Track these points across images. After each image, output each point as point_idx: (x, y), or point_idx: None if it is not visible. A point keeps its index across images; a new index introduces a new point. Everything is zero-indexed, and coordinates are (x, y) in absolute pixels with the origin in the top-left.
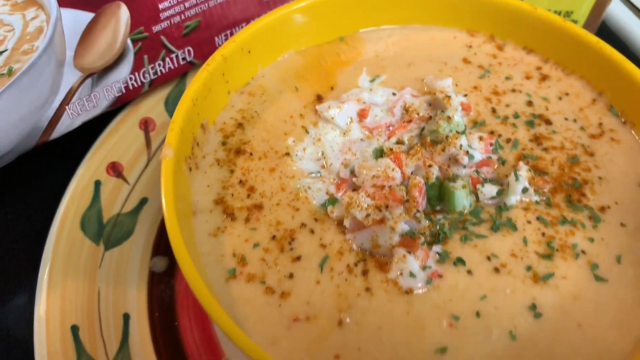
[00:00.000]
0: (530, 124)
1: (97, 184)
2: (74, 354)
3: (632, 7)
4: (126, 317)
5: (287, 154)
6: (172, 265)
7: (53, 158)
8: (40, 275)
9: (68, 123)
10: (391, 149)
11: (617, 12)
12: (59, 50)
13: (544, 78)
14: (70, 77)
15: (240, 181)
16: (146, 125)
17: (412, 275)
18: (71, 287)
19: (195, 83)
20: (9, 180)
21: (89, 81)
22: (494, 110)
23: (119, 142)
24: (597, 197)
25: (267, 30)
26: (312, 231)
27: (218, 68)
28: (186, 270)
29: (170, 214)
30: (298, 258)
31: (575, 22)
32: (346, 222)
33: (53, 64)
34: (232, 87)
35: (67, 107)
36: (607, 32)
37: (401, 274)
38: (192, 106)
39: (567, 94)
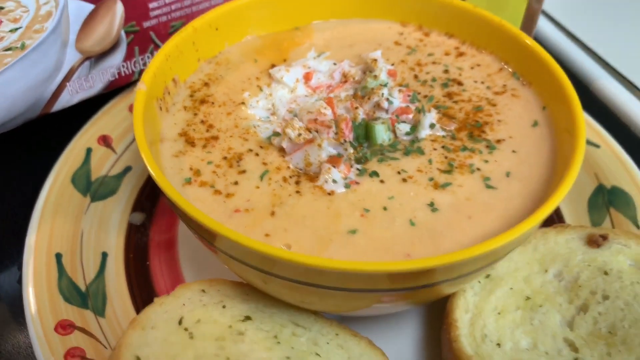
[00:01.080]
0: (444, 85)
1: (89, 150)
2: (56, 274)
3: (559, 26)
4: (104, 255)
5: (243, 103)
6: (149, 219)
7: (52, 130)
8: (34, 215)
9: (67, 99)
10: (330, 98)
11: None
12: (64, 33)
13: (460, 54)
14: (72, 57)
15: (202, 121)
16: None
17: (334, 181)
18: (58, 224)
19: (168, 44)
20: (14, 146)
21: (87, 63)
22: (416, 77)
23: (110, 120)
24: (495, 133)
25: (233, 13)
26: (257, 154)
27: (189, 36)
28: (149, 163)
29: (138, 126)
30: (243, 172)
31: None
32: (283, 144)
33: (58, 44)
34: (201, 56)
35: (67, 83)
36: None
37: (326, 181)
38: (165, 61)
39: (478, 65)
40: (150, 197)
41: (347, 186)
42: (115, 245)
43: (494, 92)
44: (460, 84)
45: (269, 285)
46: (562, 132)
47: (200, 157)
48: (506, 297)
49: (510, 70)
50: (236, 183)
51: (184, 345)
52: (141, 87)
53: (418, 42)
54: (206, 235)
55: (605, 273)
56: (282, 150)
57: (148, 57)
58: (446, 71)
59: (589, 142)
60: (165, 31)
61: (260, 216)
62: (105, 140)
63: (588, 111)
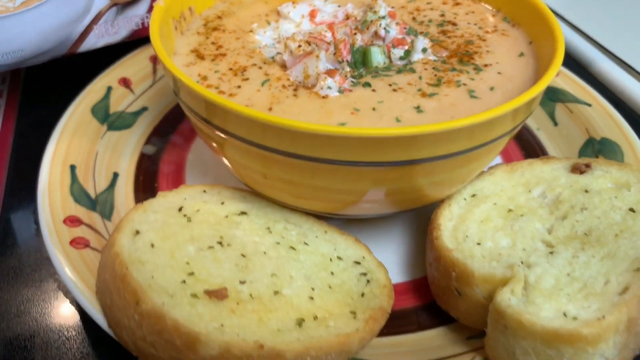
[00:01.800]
0: (440, 25)
1: (109, 89)
2: (69, 181)
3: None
4: (115, 175)
5: (251, 31)
6: (160, 152)
7: (77, 70)
8: (54, 133)
9: (93, 41)
10: (332, 24)
11: None
12: None
13: (457, 4)
14: (100, 2)
15: (212, 42)
16: (155, 60)
17: (329, 88)
18: (75, 143)
19: None
20: (40, 81)
21: (114, 9)
22: (414, 19)
23: (131, 66)
24: (483, 59)
25: None
26: (260, 67)
27: None
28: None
29: (154, 31)
30: (246, 79)
31: None
32: (285, 56)
33: None
34: None
35: (94, 26)
36: None
37: (322, 88)
38: None
39: (472, 12)
40: (163, 134)
41: (340, 91)
42: (127, 169)
43: (485, 31)
44: (454, 24)
45: (268, 179)
46: (545, 58)
47: (208, 67)
48: (490, 210)
49: (502, 15)
50: (239, 87)
51: (182, 226)
52: (160, 2)
53: None
54: (207, 113)
55: (586, 191)
56: (284, 67)
57: None
58: (442, 15)
59: (580, 102)
60: None
61: (259, 110)
62: (125, 82)
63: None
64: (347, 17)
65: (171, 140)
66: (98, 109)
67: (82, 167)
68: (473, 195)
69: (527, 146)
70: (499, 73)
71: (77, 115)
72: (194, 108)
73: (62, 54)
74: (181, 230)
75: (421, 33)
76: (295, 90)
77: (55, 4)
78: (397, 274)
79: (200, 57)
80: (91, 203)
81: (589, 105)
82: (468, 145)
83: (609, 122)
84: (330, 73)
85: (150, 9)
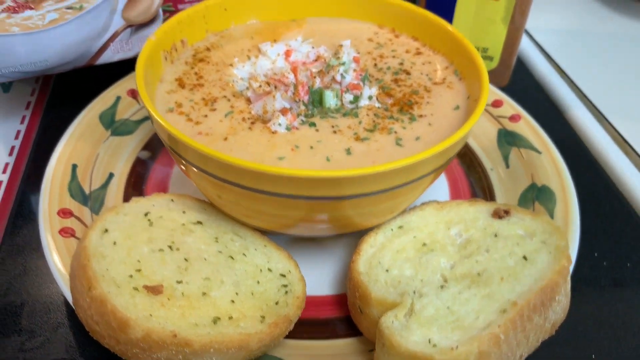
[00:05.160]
0: (395, 73)
1: (118, 98)
2: (69, 178)
3: (544, 52)
4: (111, 175)
5: (231, 65)
6: (153, 158)
7: (95, 78)
8: (63, 136)
9: (109, 55)
10: (295, 66)
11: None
12: (114, 2)
13: (418, 53)
14: (117, 23)
15: (195, 72)
16: None
17: (279, 124)
18: (80, 145)
19: (182, 13)
20: (66, 85)
21: (129, 30)
22: (375, 65)
23: None
24: (420, 110)
25: (242, 1)
26: (228, 100)
27: (200, 11)
28: (140, 88)
29: (140, 63)
30: (214, 110)
31: (491, 58)
32: (249, 93)
33: (108, 10)
34: (209, 28)
35: (111, 43)
36: (525, 72)
37: (273, 124)
38: (177, 24)
39: (429, 62)
40: (159, 142)
41: (288, 129)
42: (122, 170)
43: (433, 82)
44: (408, 73)
45: (220, 195)
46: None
47: (185, 96)
48: (408, 242)
49: (453, 69)
50: (205, 116)
51: (143, 229)
52: (152, 37)
53: (387, 40)
54: (172, 144)
55: (496, 235)
56: (249, 101)
57: None
58: (401, 63)
59: (533, 148)
60: None
61: (215, 139)
62: (133, 93)
63: (557, 135)
64: (317, 58)
65: (164, 149)
66: (105, 116)
67: (83, 166)
68: (400, 227)
69: (477, 183)
70: (429, 124)
71: (86, 120)
72: (161, 137)
73: (82, 65)
74: (142, 232)
75: (376, 80)
76: (252, 123)
77: (77, 24)
78: (327, 288)
79: (182, 85)
80: (84, 199)
81: (539, 152)
82: (385, 187)
83: (553, 170)
84: (283, 111)
85: None
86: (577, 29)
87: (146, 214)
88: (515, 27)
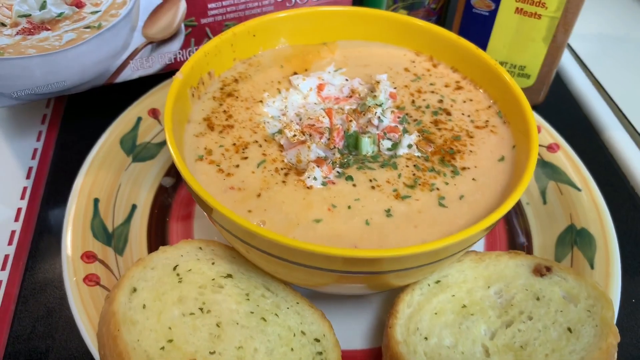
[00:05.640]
0: (435, 113)
1: (139, 119)
2: (91, 215)
3: (581, 63)
4: (134, 207)
5: (261, 101)
6: (176, 184)
7: (115, 97)
8: (83, 165)
9: (129, 73)
10: (330, 108)
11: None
12: (134, 20)
13: (458, 88)
14: (137, 40)
15: (224, 111)
16: None
17: (315, 179)
18: (101, 175)
19: (209, 44)
20: (81, 106)
21: (149, 47)
22: (413, 101)
23: (161, 97)
24: (464, 161)
25: (270, 24)
26: (260, 146)
27: (228, 39)
28: (170, 141)
29: (167, 111)
30: (245, 158)
31: (528, 76)
32: (282, 141)
33: (128, 28)
34: (237, 56)
35: (130, 61)
36: (561, 85)
37: (308, 177)
38: (204, 57)
39: (470, 100)
40: None
41: (324, 184)
42: (144, 200)
43: (475, 125)
44: (448, 114)
45: (249, 254)
46: (520, 169)
47: (214, 140)
48: (446, 302)
49: (496, 109)
50: (237, 166)
51: (172, 286)
52: (178, 76)
53: (425, 71)
54: (203, 206)
55: (538, 299)
56: (281, 146)
57: None
58: (440, 101)
59: (572, 184)
60: (220, 28)
61: (248, 195)
62: (154, 113)
63: (591, 156)
64: (352, 93)
65: None
66: (126, 141)
67: (105, 200)
68: (437, 282)
69: (511, 219)
70: (473, 179)
71: (106, 147)
72: (197, 201)
73: (101, 84)
74: (171, 290)
75: (415, 121)
76: (286, 174)
77: (95, 43)
78: (360, 342)
79: (211, 127)
80: (107, 238)
81: (579, 190)
82: (426, 262)
83: (593, 211)
84: (319, 162)
85: (184, 46)
86: (617, 34)
87: (174, 268)
88: (557, 46)
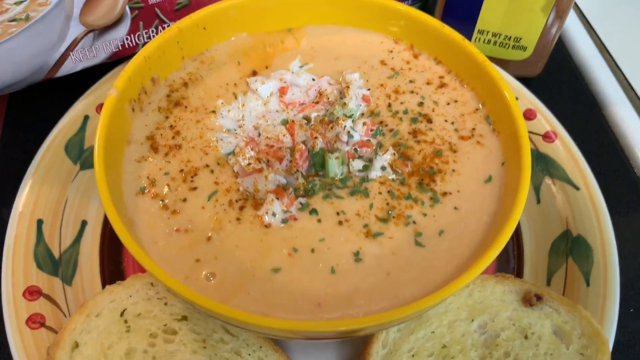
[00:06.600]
0: (414, 120)
1: (86, 118)
2: (34, 241)
3: (586, 23)
4: (84, 223)
5: (214, 111)
6: None
7: (58, 93)
8: (24, 180)
9: (71, 66)
10: (293, 121)
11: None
12: (68, 7)
13: (442, 85)
14: (75, 30)
15: (171, 126)
16: None
17: (274, 214)
18: (45, 191)
19: (149, 45)
20: (21, 106)
21: (91, 35)
22: (389, 105)
23: (109, 89)
24: (445, 184)
25: (222, 13)
26: (212, 171)
27: (173, 37)
28: (100, 185)
29: (100, 141)
30: (194, 188)
31: (524, 48)
32: (235, 168)
33: (62, 17)
34: (186, 54)
35: (71, 53)
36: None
37: (267, 212)
38: (144, 62)
39: (455, 101)
40: None
41: (284, 221)
42: (96, 215)
43: (460, 136)
44: (430, 121)
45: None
46: (510, 194)
47: (159, 165)
48: (425, 340)
49: (485, 112)
50: (184, 200)
51: (119, 337)
52: (112, 93)
53: (404, 64)
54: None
55: (526, 337)
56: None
57: (152, 31)
58: (421, 104)
59: (569, 182)
60: (171, 7)
61: (196, 239)
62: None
63: (592, 137)
64: (319, 97)
65: None
66: (72, 145)
67: (49, 220)
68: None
69: None
70: (455, 208)
71: (49, 156)
72: None
73: (39, 80)
74: (118, 343)
75: (390, 131)
76: (241, 208)
77: (25, 37)
78: None
79: (155, 148)
80: (54, 266)
81: (578, 188)
82: (402, 319)
83: (592, 217)
84: (278, 193)
85: (131, 30)
86: None
87: (122, 313)
88: (557, 16)
